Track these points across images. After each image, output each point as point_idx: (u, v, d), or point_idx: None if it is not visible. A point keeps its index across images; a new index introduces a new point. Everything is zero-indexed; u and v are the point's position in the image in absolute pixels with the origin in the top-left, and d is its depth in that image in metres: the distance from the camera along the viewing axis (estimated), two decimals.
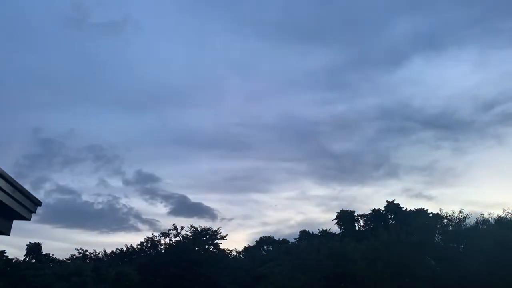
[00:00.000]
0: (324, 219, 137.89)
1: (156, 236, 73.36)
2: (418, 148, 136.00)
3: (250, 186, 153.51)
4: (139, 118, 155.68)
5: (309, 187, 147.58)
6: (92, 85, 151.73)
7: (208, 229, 71.79)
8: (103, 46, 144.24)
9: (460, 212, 36.59)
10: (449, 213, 36.94)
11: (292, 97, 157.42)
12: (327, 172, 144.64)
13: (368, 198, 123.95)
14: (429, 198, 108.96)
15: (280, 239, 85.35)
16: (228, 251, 71.23)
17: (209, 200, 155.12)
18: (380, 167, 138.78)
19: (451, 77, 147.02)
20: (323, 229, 72.08)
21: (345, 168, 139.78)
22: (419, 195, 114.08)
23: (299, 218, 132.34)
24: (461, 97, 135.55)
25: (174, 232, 71.53)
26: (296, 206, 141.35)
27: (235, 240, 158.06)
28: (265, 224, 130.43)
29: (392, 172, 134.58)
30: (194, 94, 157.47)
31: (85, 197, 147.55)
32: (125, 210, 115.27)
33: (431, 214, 54.00)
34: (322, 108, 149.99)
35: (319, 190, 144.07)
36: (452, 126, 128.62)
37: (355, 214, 74.37)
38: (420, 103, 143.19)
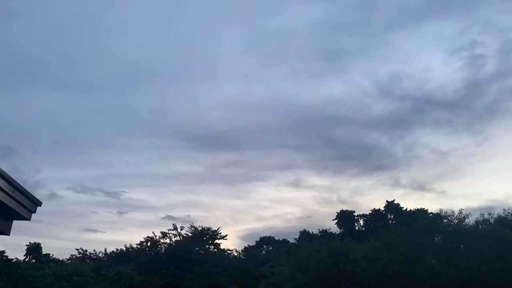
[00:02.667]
0: (322, 212, 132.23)
1: (156, 236, 73.57)
2: (426, 132, 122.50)
3: (241, 178, 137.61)
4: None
5: (307, 177, 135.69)
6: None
7: (208, 229, 71.90)
8: None
9: (460, 212, 36.69)
10: (449, 213, 37.04)
11: (275, 69, 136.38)
12: (324, 161, 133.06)
13: (370, 190, 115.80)
14: (438, 191, 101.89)
15: (280, 239, 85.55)
16: (229, 251, 71.32)
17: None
18: (382, 155, 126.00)
19: (456, 46, 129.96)
20: (323, 229, 72.26)
21: (345, 157, 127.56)
22: (425, 188, 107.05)
23: (296, 211, 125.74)
24: (464, 68, 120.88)
25: (174, 232, 71.72)
26: (291, 199, 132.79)
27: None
28: (260, 219, 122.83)
29: (396, 161, 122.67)
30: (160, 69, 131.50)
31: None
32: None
33: (431, 214, 54.01)
34: (314, 83, 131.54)
35: (316, 181, 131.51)
36: (459, 104, 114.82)
37: (355, 214, 74.53)
38: (426, 76, 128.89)
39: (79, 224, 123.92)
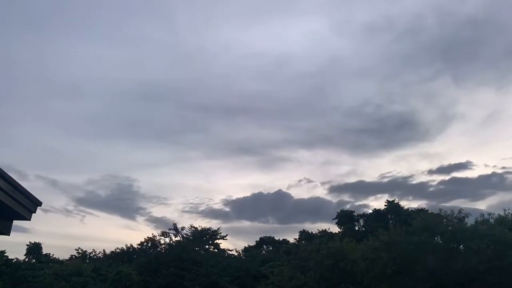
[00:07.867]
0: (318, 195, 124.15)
1: (156, 236, 73.79)
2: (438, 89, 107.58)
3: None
4: None
5: (301, 154, 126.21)
6: None
7: (208, 229, 72.14)
8: None
9: (460, 211, 36.68)
10: (449, 212, 37.04)
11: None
12: (315, 136, 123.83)
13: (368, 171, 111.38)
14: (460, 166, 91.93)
15: (280, 239, 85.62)
16: (229, 251, 71.42)
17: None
18: (385, 125, 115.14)
19: None
20: (323, 229, 72.41)
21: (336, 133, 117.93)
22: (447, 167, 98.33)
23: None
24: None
25: (174, 232, 72.01)
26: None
27: None
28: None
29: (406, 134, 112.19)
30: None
31: None
32: None
33: (431, 214, 54.11)
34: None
35: (309, 156, 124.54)
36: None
37: (355, 214, 74.64)
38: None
39: None
